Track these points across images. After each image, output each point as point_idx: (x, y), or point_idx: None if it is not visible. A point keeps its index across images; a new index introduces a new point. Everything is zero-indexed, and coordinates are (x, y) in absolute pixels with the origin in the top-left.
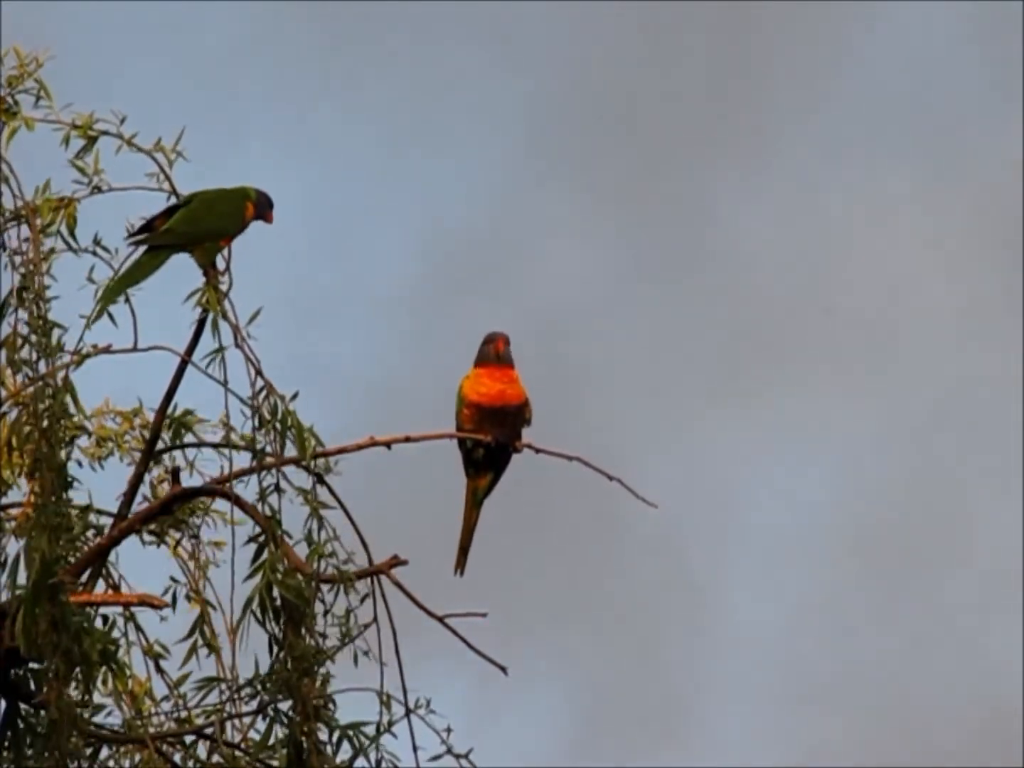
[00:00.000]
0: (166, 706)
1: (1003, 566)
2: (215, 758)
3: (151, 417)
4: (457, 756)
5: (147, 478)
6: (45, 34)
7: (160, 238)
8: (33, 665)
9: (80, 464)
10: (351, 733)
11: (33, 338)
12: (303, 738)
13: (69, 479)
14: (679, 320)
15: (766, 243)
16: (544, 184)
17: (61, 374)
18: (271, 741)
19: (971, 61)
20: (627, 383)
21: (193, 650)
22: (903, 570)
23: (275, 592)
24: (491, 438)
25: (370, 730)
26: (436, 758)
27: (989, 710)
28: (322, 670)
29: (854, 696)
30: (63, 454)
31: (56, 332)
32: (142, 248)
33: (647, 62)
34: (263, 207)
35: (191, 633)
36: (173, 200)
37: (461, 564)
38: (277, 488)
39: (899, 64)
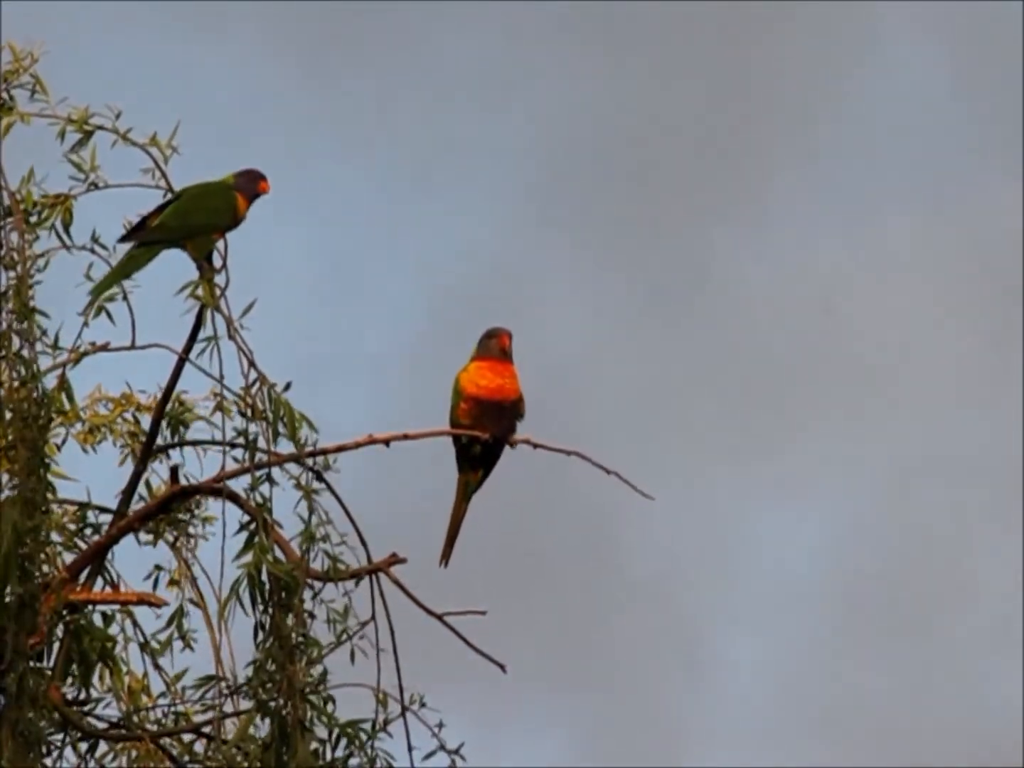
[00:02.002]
0: (163, 702)
1: (1003, 609)
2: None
3: (142, 401)
4: (449, 752)
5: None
6: (42, 30)
7: (152, 234)
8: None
9: (59, 447)
10: (350, 731)
11: (15, 325)
12: (287, 714)
13: (45, 460)
14: (678, 368)
15: (766, 291)
16: (544, 232)
17: (57, 372)
18: (255, 734)
19: (970, 106)
20: (626, 430)
21: (168, 642)
22: (901, 615)
23: (264, 576)
24: (489, 435)
25: (369, 728)
26: (429, 756)
27: (989, 750)
28: (320, 666)
29: (852, 739)
30: (42, 436)
31: (44, 323)
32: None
33: (646, 109)
34: (250, 189)
35: (168, 625)
36: (168, 197)
37: (447, 556)
38: (269, 478)
39: (898, 110)
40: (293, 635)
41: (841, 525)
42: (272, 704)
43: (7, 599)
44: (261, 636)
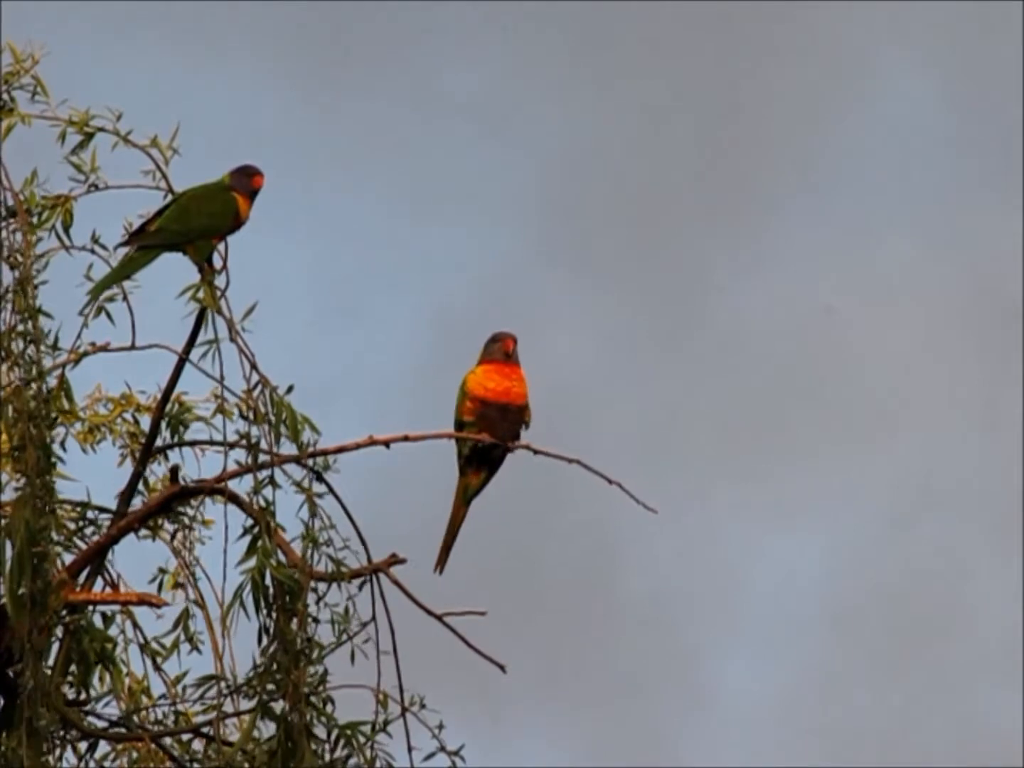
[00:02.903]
0: (163, 703)
1: (1001, 638)
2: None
3: (141, 401)
4: (449, 753)
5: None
6: (42, 31)
7: (151, 238)
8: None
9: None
10: (349, 732)
11: (21, 327)
12: (294, 718)
13: (53, 459)
14: (679, 394)
15: (764, 320)
16: (547, 260)
17: (57, 372)
18: (258, 735)
19: (966, 136)
20: (628, 455)
21: (175, 645)
22: (900, 642)
23: (268, 580)
24: (490, 439)
25: (368, 730)
26: (429, 757)
27: None
28: (320, 667)
29: (851, 764)
30: (49, 435)
31: (47, 323)
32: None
33: (645, 140)
34: (247, 186)
35: (175, 627)
36: (168, 199)
37: (442, 562)
38: (272, 481)
39: (894, 140)
40: (298, 640)
41: (840, 551)
42: (276, 708)
43: (22, 597)
44: (265, 641)
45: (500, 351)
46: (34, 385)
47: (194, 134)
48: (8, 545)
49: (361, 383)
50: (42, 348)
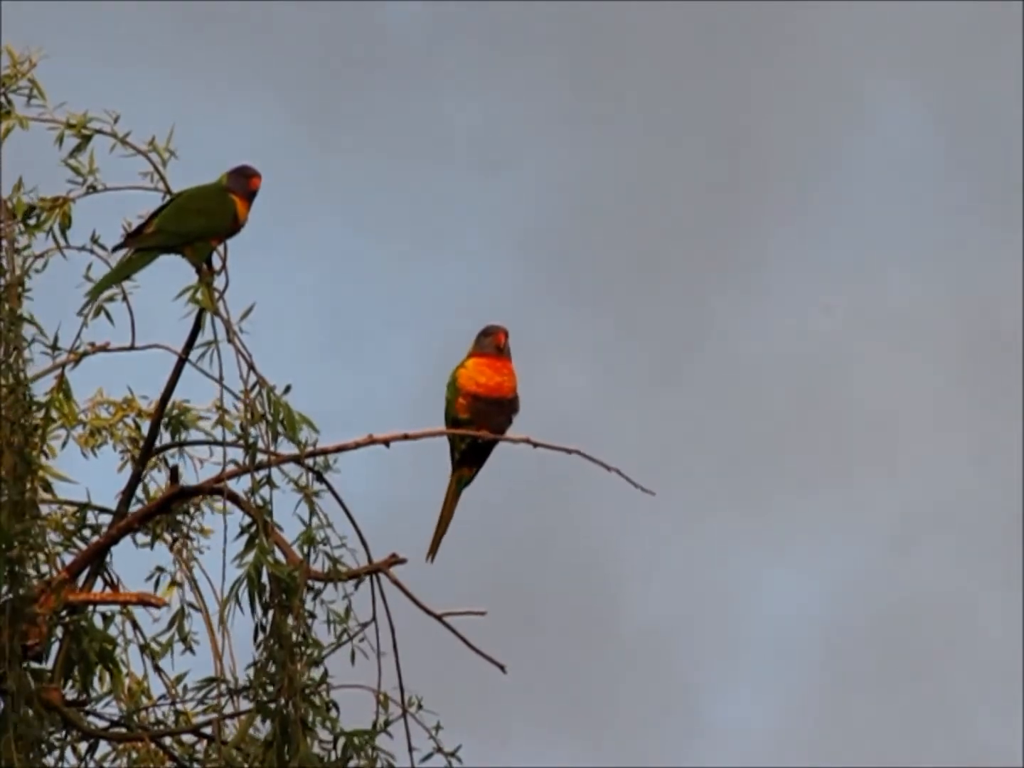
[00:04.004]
0: (163, 704)
1: (1001, 665)
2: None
3: (143, 406)
4: (446, 754)
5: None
6: (42, 33)
7: (149, 240)
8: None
9: (46, 455)
10: (357, 741)
11: (5, 332)
12: (289, 711)
13: (32, 463)
14: (676, 428)
15: (766, 352)
16: (544, 296)
17: (56, 372)
18: (257, 735)
19: (963, 169)
20: (625, 488)
21: (169, 645)
22: (900, 671)
23: (264, 578)
24: (491, 435)
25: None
26: (427, 758)
27: None
28: (320, 668)
29: None
30: (30, 441)
31: (43, 323)
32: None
33: (643, 176)
34: (244, 188)
35: (170, 627)
36: (165, 200)
37: (434, 551)
38: (269, 480)
39: (891, 174)
40: (294, 635)
41: (840, 580)
42: (272, 705)
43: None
44: (261, 637)
45: (492, 344)
46: (17, 391)
47: (191, 142)
48: None
49: (362, 417)
50: (41, 349)
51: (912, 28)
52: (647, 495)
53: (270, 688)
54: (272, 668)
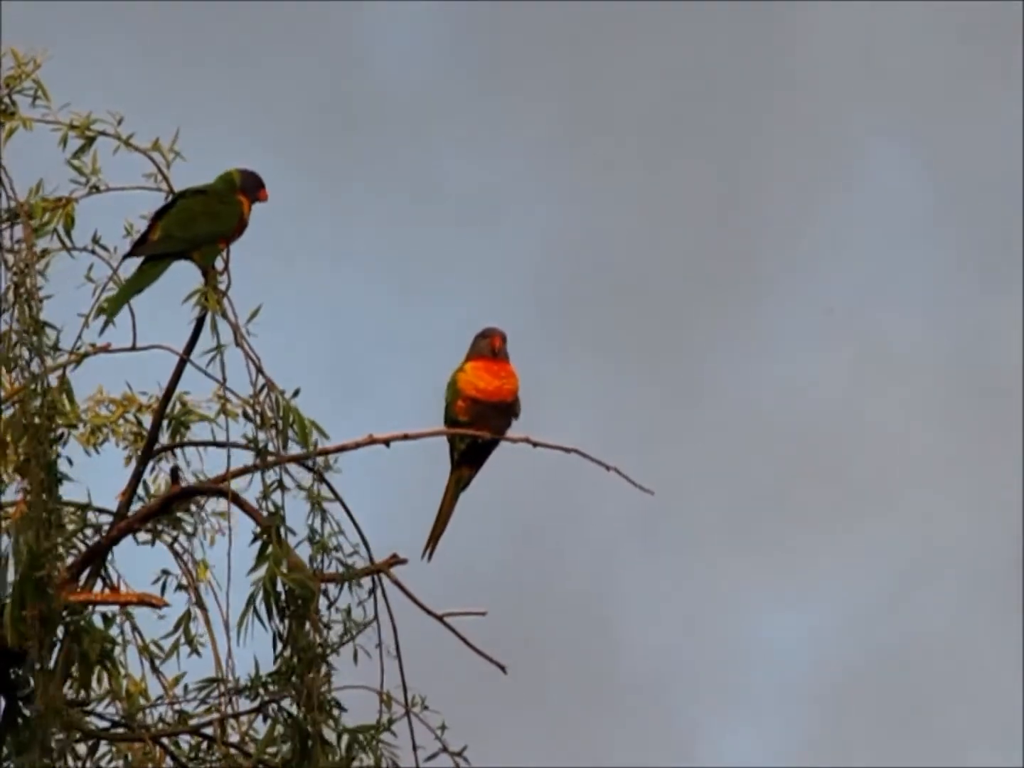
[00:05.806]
0: (162, 703)
1: (1001, 707)
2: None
3: (144, 402)
4: (452, 754)
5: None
6: (44, 33)
7: (157, 247)
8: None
9: (71, 462)
10: (362, 738)
11: (25, 337)
12: (309, 727)
13: (59, 476)
14: (680, 472)
15: (766, 396)
16: (547, 343)
17: (58, 373)
18: (275, 737)
19: (954, 220)
20: (629, 530)
21: (175, 648)
22: (900, 712)
23: (279, 587)
24: (490, 435)
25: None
26: (432, 757)
27: None
28: (323, 667)
29: None
30: (53, 451)
31: (49, 332)
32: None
33: (645, 226)
34: (253, 191)
35: (175, 629)
36: (168, 200)
37: (431, 549)
38: (280, 485)
39: (885, 224)
40: (313, 646)
41: (840, 622)
42: (287, 715)
43: (26, 620)
44: (279, 647)
45: (488, 347)
46: (39, 399)
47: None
48: (12, 570)
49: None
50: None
51: (904, 75)
52: (646, 502)
53: (273, 688)
54: (289, 676)
